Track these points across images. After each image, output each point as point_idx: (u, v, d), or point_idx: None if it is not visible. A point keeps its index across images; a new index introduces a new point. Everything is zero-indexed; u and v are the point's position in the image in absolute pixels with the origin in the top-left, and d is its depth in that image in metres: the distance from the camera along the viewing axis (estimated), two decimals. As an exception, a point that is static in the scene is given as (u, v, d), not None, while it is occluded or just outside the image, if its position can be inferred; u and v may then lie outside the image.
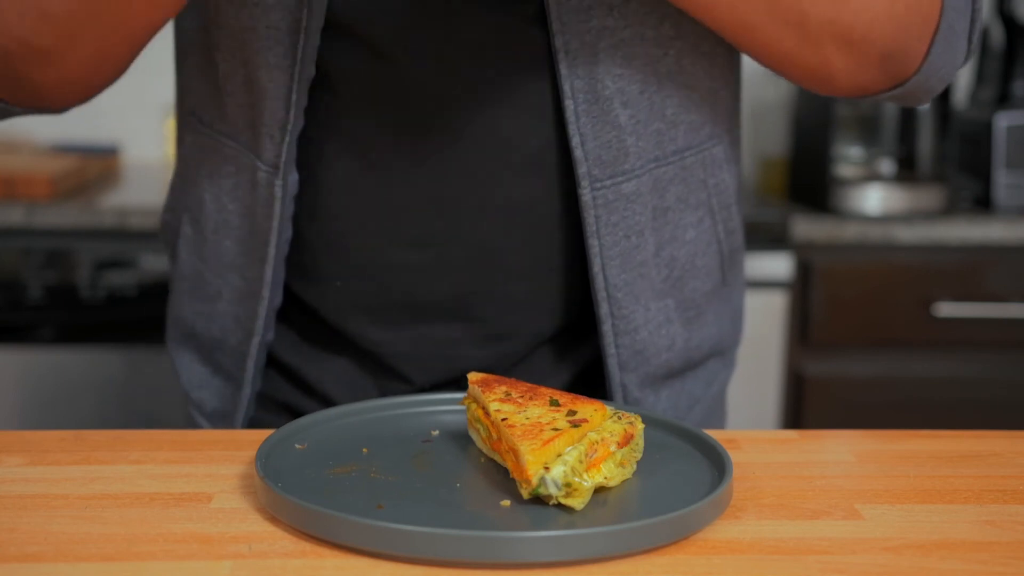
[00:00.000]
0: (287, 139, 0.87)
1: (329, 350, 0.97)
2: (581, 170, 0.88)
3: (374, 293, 0.92)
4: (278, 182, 0.89)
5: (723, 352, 1.03)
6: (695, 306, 0.96)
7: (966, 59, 0.91)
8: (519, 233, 0.91)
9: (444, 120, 0.87)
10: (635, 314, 0.92)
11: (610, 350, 0.92)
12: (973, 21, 0.89)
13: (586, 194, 0.88)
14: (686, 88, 0.91)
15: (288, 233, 0.91)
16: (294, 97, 0.86)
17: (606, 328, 0.92)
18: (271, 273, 0.92)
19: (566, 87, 0.86)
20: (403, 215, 0.90)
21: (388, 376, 0.96)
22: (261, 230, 0.91)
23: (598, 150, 0.88)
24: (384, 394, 0.96)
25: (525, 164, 0.89)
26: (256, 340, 0.94)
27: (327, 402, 0.98)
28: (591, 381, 0.97)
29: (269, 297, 0.92)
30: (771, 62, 0.87)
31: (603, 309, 0.91)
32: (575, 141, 0.87)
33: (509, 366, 0.95)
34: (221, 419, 0.99)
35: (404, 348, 0.94)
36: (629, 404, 0.94)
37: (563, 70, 0.86)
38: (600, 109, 0.87)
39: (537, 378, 0.95)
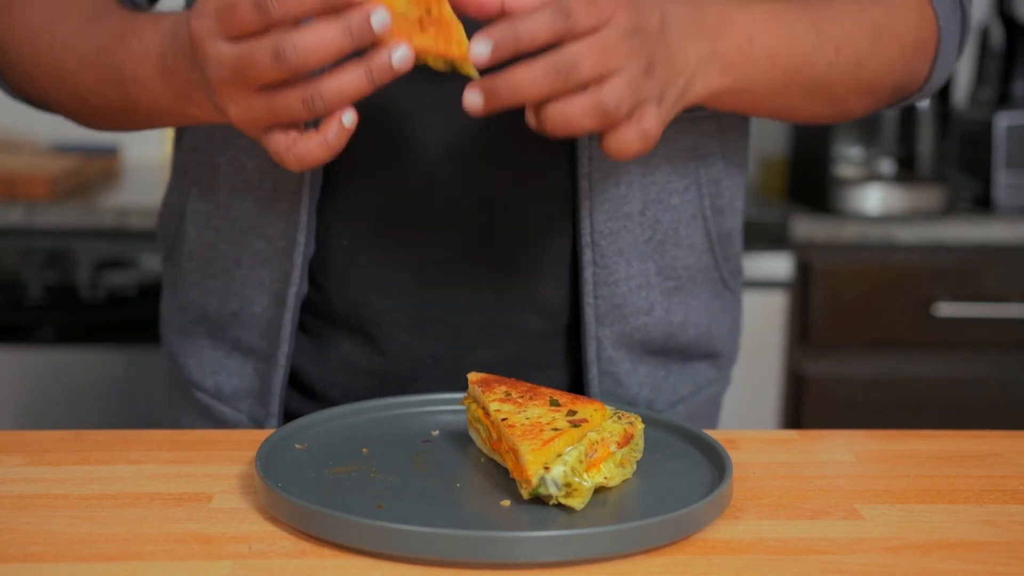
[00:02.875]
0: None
1: (323, 334, 0.97)
2: None
3: (378, 253, 0.93)
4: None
5: (716, 357, 1.03)
6: (675, 276, 0.97)
7: (955, 66, 1.02)
8: (528, 186, 0.91)
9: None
10: (617, 266, 0.93)
11: (588, 299, 0.93)
12: (963, 36, 0.99)
13: None
14: None
15: (320, 176, 0.92)
16: None
17: (587, 275, 0.92)
18: (305, 217, 0.92)
19: None
20: (412, 158, 0.91)
21: (380, 353, 0.95)
22: (289, 179, 0.92)
23: None
24: (375, 379, 0.96)
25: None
26: (293, 291, 0.93)
27: (311, 389, 0.98)
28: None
29: (304, 243, 0.92)
30: (799, 122, 0.99)
31: (586, 256, 0.92)
32: None
33: (513, 349, 0.95)
34: (246, 397, 0.98)
35: (406, 316, 0.94)
36: (602, 362, 0.94)
37: None
38: None
39: (542, 370, 0.96)
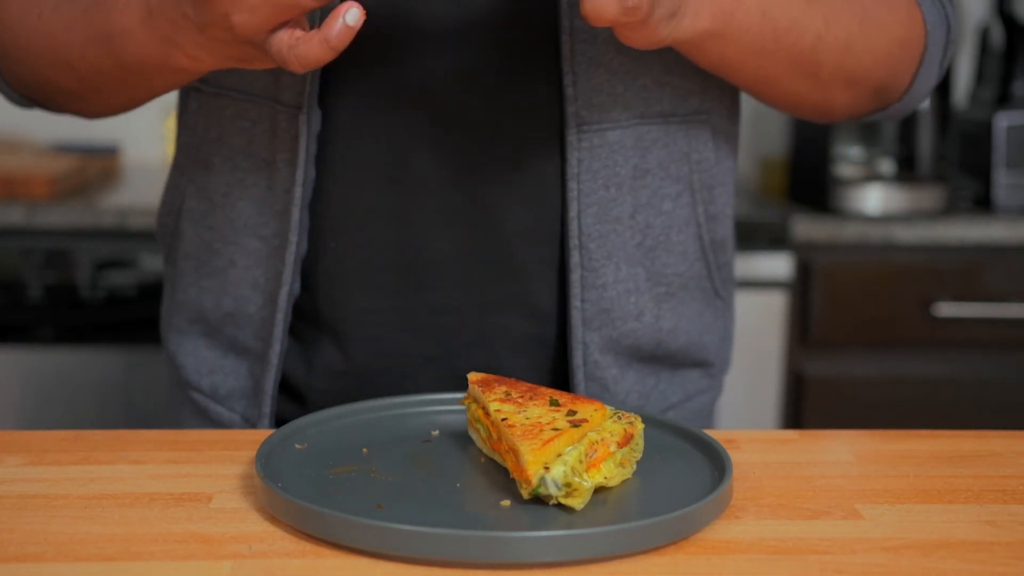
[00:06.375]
0: (311, 72, 0.88)
1: (311, 337, 0.97)
2: (570, 110, 0.89)
3: (366, 254, 0.92)
4: (302, 117, 0.90)
5: (707, 366, 1.03)
6: (666, 283, 0.96)
7: (937, 83, 1.02)
8: (518, 186, 0.91)
9: (451, 61, 0.89)
10: (605, 269, 0.93)
11: (575, 302, 0.92)
12: (946, 50, 1.00)
13: (572, 134, 0.90)
14: (674, 50, 0.92)
15: (312, 175, 0.92)
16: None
17: (574, 278, 0.92)
18: (298, 216, 0.91)
19: (565, 23, 0.88)
20: (401, 157, 0.91)
21: (365, 355, 0.95)
22: (282, 178, 0.92)
23: (588, 92, 0.89)
24: (362, 382, 0.96)
25: (526, 115, 0.90)
26: (284, 291, 0.93)
27: (298, 393, 0.98)
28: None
29: (296, 243, 0.92)
30: (780, 105, 0.97)
31: (574, 259, 0.92)
32: (567, 79, 0.89)
33: (500, 353, 0.95)
34: (241, 398, 0.98)
35: (392, 317, 0.94)
36: (588, 367, 0.94)
37: (564, 5, 0.87)
38: (596, 50, 0.89)
39: (528, 375, 0.95)
